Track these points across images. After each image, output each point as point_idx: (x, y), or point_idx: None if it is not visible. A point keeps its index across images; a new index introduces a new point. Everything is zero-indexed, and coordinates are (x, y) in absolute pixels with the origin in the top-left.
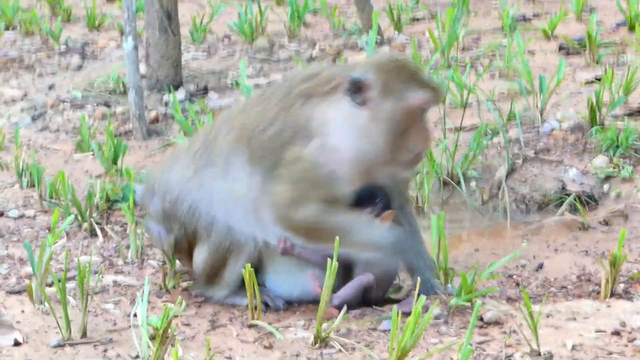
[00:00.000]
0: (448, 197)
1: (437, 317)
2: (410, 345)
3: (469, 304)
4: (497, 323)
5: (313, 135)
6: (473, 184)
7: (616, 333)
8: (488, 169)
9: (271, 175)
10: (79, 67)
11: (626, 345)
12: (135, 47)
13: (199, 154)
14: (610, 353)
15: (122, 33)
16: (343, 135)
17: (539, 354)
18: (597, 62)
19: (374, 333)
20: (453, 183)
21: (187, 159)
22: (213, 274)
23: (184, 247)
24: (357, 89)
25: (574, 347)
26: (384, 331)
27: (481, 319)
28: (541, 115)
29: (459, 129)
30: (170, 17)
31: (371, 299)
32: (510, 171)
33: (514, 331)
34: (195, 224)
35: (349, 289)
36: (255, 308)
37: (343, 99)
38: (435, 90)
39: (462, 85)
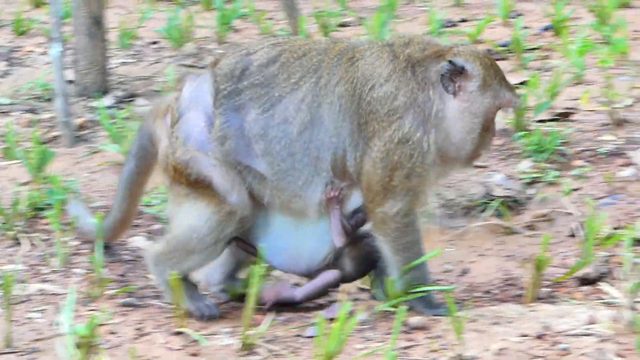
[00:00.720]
0: None
1: (363, 323)
2: (335, 351)
3: (395, 309)
4: (422, 328)
5: (426, 118)
6: None
7: (540, 337)
8: None
9: (368, 146)
10: (5, 74)
11: (549, 349)
12: (62, 53)
13: (307, 93)
14: (534, 357)
15: (49, 39)
16: (447, 125)
17: (462, 359)
18: (523, 67)
19: (300, 339)
20: None
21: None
22: None
23: None
24: (455, 75)
25: (498, 351)
26: (310, 337)
27: (407, 324)
28: None
29: None
30: (98, 23)
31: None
32: None
33: (439, 336)
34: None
35: (313, 286)
36: (182, 315)
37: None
38: (517, 94)
39: None
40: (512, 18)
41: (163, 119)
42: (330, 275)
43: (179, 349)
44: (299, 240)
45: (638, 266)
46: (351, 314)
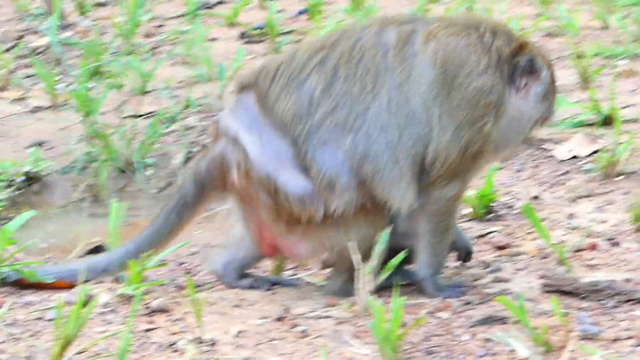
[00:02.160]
0: (125, 185)
1: (105, 306)
2: (74, 334)
3: (136, 292)
4: (163, 311)
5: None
6: (150, 171)
7: (279, 319)
8: (165, 157)
9: (454, 132)
10: None
11: (288, 331)
12: None
13: (390, 94)
14: (272, 339)
15: None
16: (506, 119)
17: (203, 341)
18: (276, 50)
19: (41, 322)
20: (129, 171)
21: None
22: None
23: None
24: (526, 72)
25: (237, 334)
26: (50, 320)
27: (148, 307)
28: (219, 102)
29: (137, 116)
30: None
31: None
32: (187, 159)
33: (180, 319)
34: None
35: None
36: None
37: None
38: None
39: (141, 71)
40: (269, 1)
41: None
42: None
43: None
44: None
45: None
46: (90, 297)
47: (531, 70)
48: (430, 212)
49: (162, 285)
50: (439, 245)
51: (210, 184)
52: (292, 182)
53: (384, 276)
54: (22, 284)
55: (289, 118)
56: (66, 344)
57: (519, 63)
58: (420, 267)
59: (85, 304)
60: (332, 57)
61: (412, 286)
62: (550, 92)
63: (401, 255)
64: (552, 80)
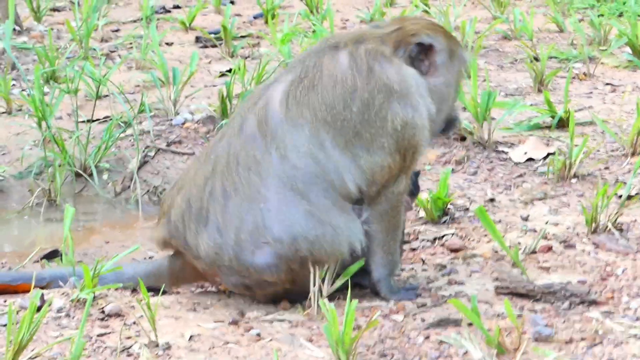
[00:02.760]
0: (81, 190)
1: (59, 310)
2: (27, 339)
3: (91, 296)
4: (118, 315)
5: (407, 96)
6: (105, 176)
7: (234, 323)
8: (121, 161)
9: (371, 150)
10: None
11: (243, 335)
12: None
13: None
14: (227, 342)
15: None
16: (426, 100)
17: (157, 345)
18: (231, 55)
19: None
20: (85, 175)
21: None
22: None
23: None
24: (423, 54)
25: (191, 337)
26: (4, 325)
27: (103, 311)
28: (174, 107)
29: (91, 121)
30: None
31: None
32: (143, 163)
33: (135, 323)
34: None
35: None
36: None
37: (407, 62)
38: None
39: (95, 76)
40: (224, 5)
41: None
42: None
43: None
44: None
45: None
46: (44, 301)
47: (424, 48)
48: (380, 212)
49: (117, 289)
50: (391, 243)
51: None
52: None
53: (340, 282)
54: None
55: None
56: (20, 349)
57: (409, 53)
58: (375, 268)
59: (39, 308)
60: (215, 177)
61: (367, 289)
62: (453, 49)
63: (359, 264)
64: (447, 39)
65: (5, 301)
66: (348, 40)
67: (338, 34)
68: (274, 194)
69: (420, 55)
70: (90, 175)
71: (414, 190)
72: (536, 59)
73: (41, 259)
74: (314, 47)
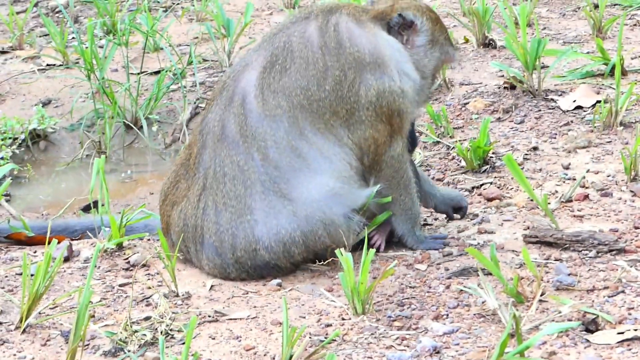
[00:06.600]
0: (131, 142)
1: (85, 261)
2: (43, 289)
3: (117, 247)
4: (143, 266)
5: (380, 65)
6: (155, 127)
7: None
8: (172, 113)
9: (350, 126)
10: None
11: (264, 285)
12: None
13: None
14: (247, 292)
15: None
16: (404, 65)
17: (177, 295)
18: (293, 6)
19: (20, 278)
20: (135, 128)
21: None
22: None
23: None
24: (404, 28)
25: (212, 287)
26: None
27: (129, 262)
28: (228, 58)
29: (141, 73)
30: None
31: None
32: (194, 115)
33: (158, 273)
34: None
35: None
36: None
37: (385, 30)
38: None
39: (151, 29)
40: None
41: None
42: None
43: None
44: None
45: None
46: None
47: (406, 24)
48: (385, 177)
49: (149, 239)
50: (406, 200)
51: None
52: None
53: (366, 232)
54: (14, 239)
55: None
56: (36, 298)
57: (389, 21)
58: (396, 225)
59: (67, 259)
60: (206, 192)
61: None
62: (436, 37)
63: (387, 214)
64: (434, 25)
65: (35, 252)
66: (319, 10)
67: (314, 4)
68: (259, 203)
69: (400, 29)
70: (141, 127)
71: (411, 146)
72: (596, 7)
73: (81, 210)
74: (285, 20)
